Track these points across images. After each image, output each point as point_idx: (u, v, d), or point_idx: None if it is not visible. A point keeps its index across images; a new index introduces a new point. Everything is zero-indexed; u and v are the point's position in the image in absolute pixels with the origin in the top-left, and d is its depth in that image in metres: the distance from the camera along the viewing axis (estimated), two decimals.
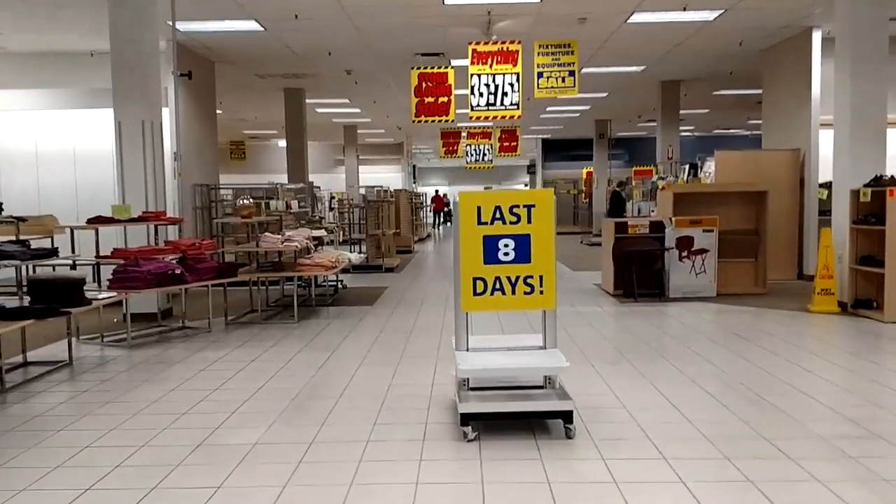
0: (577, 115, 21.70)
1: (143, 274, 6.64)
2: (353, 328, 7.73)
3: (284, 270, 8.25)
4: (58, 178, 12.11)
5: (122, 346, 6.98)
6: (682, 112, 17.15)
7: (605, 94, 17.61)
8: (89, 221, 7.18)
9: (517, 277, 4.39)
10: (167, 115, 11.09)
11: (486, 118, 9.76)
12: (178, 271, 6.93)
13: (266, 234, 8.05)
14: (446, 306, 9.09)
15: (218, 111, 20.35)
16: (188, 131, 11.77)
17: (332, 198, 12.02)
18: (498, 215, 4.39)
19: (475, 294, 4.39)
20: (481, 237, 4.38)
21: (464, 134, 19.23)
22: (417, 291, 10.67)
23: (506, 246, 4.39)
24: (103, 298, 6.33)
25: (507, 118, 9.65)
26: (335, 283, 10.44)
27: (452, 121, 10.23)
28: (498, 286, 4.39)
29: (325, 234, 9.23)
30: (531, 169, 41.24)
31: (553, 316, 4.51)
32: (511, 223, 4.38)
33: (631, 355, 6.22)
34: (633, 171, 26.79)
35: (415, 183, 41.42)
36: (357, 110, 19.69)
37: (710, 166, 12.17)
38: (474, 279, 4.38)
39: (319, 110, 19.66)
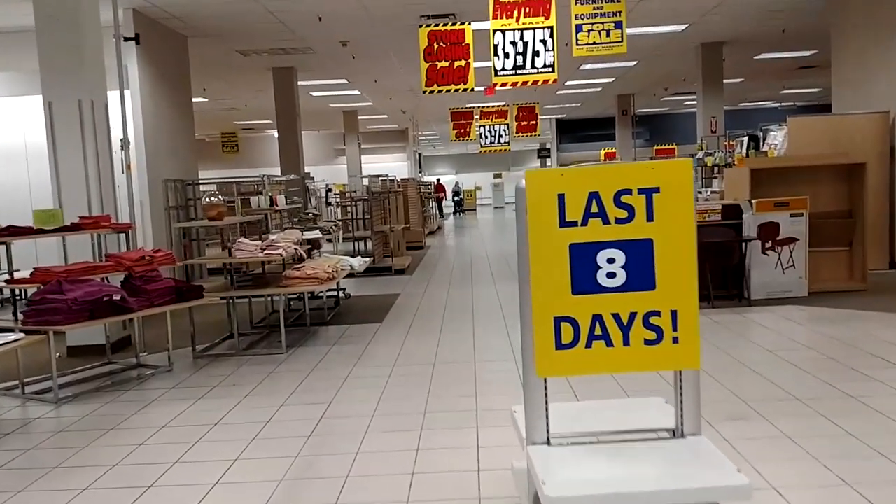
0: (599, 89, 19.75)
1: (66, 304, 4.83)
2: (356, 360, 5.89)
3: (267, 286, 6.43)
4: (8, 175, 10.32)
5: (49, 398, 5.17)
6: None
7: (634, 63, 15.66)
8: None
9: (632, 315, 2.53)
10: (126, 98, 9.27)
11: (515, 84, 7.87)
12: (117, 297, 5.11)
13: (241, 240, 6.22)
14: (475, 322, 7.25)
15: (202, 98, 18.59)
16: (156, 118, 9.93)
17: (329, 190, 10.22)
18: (595, 208, 2.53)
19: (560, 346, 2.53)
20: (567, 247, 2.53)
21: (476, 116, 17.30)
22: (435, 300, 8.82)
23: (610, 262, 2.54)
24: (5, 343, 4.50)
25: (538, 84, 7.75)
26: (336, 292, 8.60)
27: (472, 90, 8.34)
28: (599, 331, 2.54)
29: (321, 235, 7.41)
30: (542, 153, 39.30)
31: (695, 380, 2.66)
32: (618, 221, 2.52)
33: (758, 402, 4.35)
34: (654, 151, 24.96)
35: (420, 172, 39.58)
36: (356, 92, 17.81)
37: (775, 137, 10.25)
38: (557, 321, 2.53)
39: (315, 94, 17.79)
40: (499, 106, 16.96)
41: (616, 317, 2.55)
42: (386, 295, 9.35)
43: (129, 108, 9.63)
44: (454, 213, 34.26)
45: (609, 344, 2.55)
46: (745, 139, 10.91)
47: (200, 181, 11.59)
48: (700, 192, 12.88)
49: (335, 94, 18.21)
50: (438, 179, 35.06)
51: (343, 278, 7.36)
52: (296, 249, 6.48)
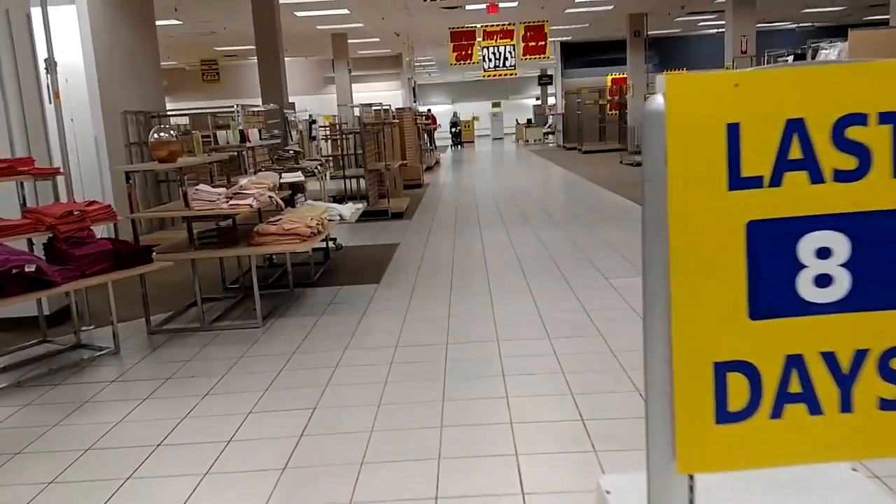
0: (611, 7, 18.03)
1: None
2: (349, 339, 4.72)
3: (236, 245, 5.18)
4: None
5: None
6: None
7: None
8: None
9: (859, 356, 1.32)
10: (67, 12, 7.84)
11: None
12: (30, 268, 3.87)
13: (200, 187, 4.94)
14: (490, 281, 6.05)
15: (175, 21, 16.90)
16: (111, 38, 8.47)
17: (314, 122, 8.86)
18: (797, 153, 1.27)
19: (724, 417, 1.31)
20: (743, 228, 1.28)
21: (479, 37, 15.67)
22: (440, 252, 7.60)
23: (823, 255, 1.30)
24: None
25: None
26: (324, 243, 7.38)
27: None
28: (797, 386, 1.33)
29: (303, 177, 6.13)
30: (543, 79, 37.46)
31: None
32: (841, 178, 1.27)
33: None
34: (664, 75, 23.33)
35: (415, 102, 37.79)
36: (345, 11, 16.12)
37: (827, 55, 8.85)
38: (721, 370, 1.30)
39: (299, 13, 16.12)
40: (503, 25, 15.33)
41: (829, 358, 1.33)
42: (383, 246, 8.12)
43: (74, 25, 8.21)
44: (451, 145, 32.69)
45: (815, 409, 1.34)
46: (791, 59, 9.50)
47: (168, 113, 10.19)
48: None
49: (322, 14, 16.52)
50: (429, 109, 33.33)
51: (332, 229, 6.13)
52: (271, 198, 5.22)
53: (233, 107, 7.89)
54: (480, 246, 7.67)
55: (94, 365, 4.52)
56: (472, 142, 35.76)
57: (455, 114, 33.75)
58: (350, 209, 6.27)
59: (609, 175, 14.52)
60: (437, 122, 31.00)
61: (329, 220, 6.01)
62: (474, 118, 39.24)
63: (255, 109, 8.44)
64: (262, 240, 5.05)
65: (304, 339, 4.76)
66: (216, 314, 5.52)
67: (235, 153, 6.60)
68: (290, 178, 6.03)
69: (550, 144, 29.50)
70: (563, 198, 11.56)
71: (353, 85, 22.12)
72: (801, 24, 26.38)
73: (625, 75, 24.83)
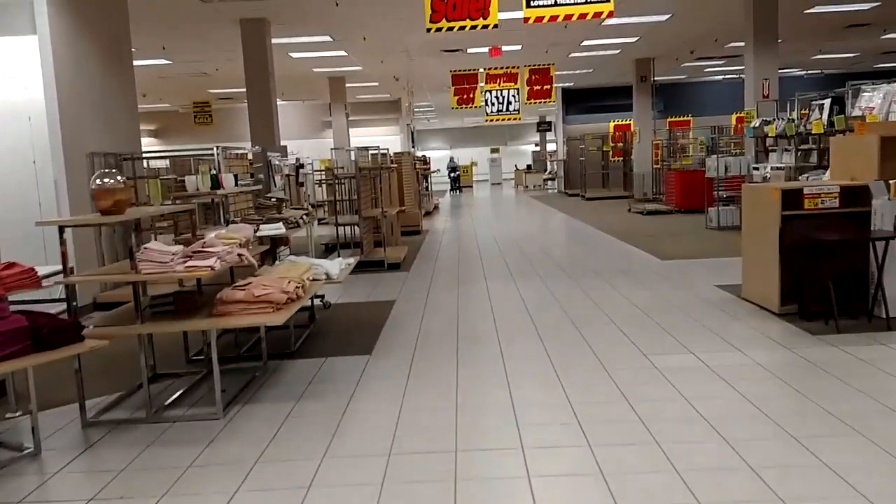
0: (618, 51, 17.45)
1: None
2: (329, 440, 3.72)
3: (194, 316, 4.22)
4: None
5: None
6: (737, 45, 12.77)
7: (667, 17, 13.38)
8: None
9: None
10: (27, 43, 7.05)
11: (555, 18, 5.63)
12: None
13: (150, 245, 4.02)
14: (503, 348, 5.09)
15: (165, 60, 16.22)
16: (77, 74, 7.65)
17: (301, 167, 7.98)
18: None
19: None
20: None
21: (481, 81, 14.98)
22: (442, 311, 6.65)
23: None
24: None
25: (588, 17, 5.52)
26: (310, 301, 6.42)
27: (495, 26, 6.09)
28: None
29: (283, 230, 5.20)
30: (542, 125, 37.01)
31: None
32: None
33: None
34: (667, 123, 22.78)
35: (413, 147, 37.25)
36: (342, 53, 15.46)
37: (871, 99, 8.06)
38: None
39: (295, 55, 15.45)
40: (508, 68, 14.66)
41: None
42: (377, 304, 7.17)
43: (35, 58, 7.40)
44: (451, 190, 31.96)
45: None
46: (827, 102, 8.71)
47: (143, 156, 9.34)
48: (754, 167, 10.74)
49: (318, 56, 15.86)
50: (423, 155, 32.67)
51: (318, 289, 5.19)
52: (240, 256, 4.28)
53: (212, 149, 7.03)
54: (488, 305, 6.73)
55: (3, 474, 3.52)
56: (471, 187, 35.09)
57: (452, 158, 33.10)
58: (338, 266, 5.34)
59: (619, 224, 13.66)
60: (430, 165, 30.24)
61: (313, 280, 5.08)
62: (473, 163, 38.67)
63: (238, 152, 7.58)
64: (227, 309, 4.10)
65: (273, 438, 3.77)
66: (173, 395, 4.53)
67: (210, 201, 5.69)
68: (268, 230, 5.12)
69: (551, 190, 28.80)
70: (573, 248, 10.66)
71: (350, 129, 21.47)
72: (810, 71, 25.95)
73: (628, 121, 24.30)
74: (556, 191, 27.80)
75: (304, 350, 5.48)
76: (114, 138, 8.30)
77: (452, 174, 32.19)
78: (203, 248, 4.17)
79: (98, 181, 3.97)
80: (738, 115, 22.34)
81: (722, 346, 5.04)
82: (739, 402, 3.89)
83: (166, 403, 4.38)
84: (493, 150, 41.91)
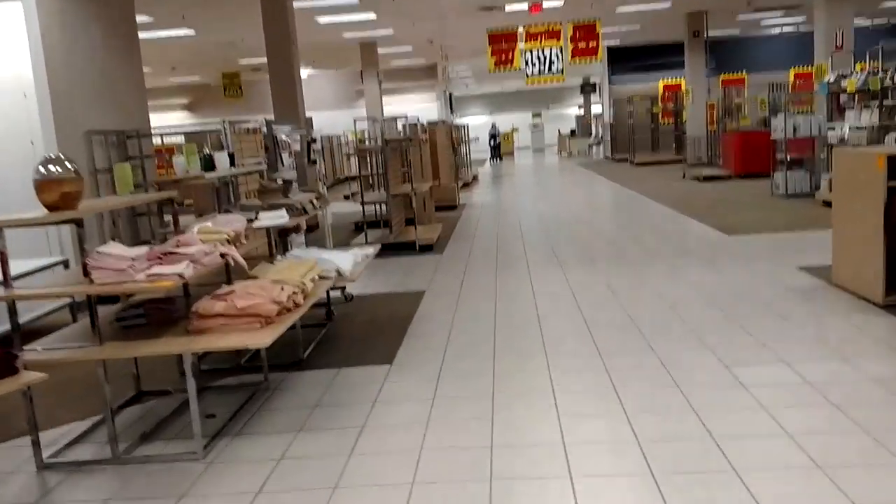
0: (668, 4, 16.08)
1: None
2: (329, 495, 2.93)
3: (169, 331, 3.44)
4: None
5: None
6: None
7: None
8: None
9: None
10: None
11: None
12: None
13: (107, 247, 3.23)
14: (548, 361, 4.21)
15: (188, 30, 15.51)
16: (71, 43, 6.91)
17: (312, 142, 7.15)
18: None
19: None
20: None
21: (521, 41, 13.85)
22: (478, 305, 5.79)
23: None
24: None
25: None
26: (327, 296, 5.63)
27: None
28: None
29: (286, 217, 4.36)
30: (586, 88, 35.41)
31: None
32: None
33: None
34: (720, 81, 21.22)
35: (452, 114, 36.15)
36: (372, 16, 14.51)
37: None
38: None
39: (322, 20, 14.56)
40: (549, 24, 13.48)
41: None
42: (404, 296, 6.34)
43: (21, 26, 6.68)
44: (490, 158, 30.87)
45: None
46: None
47: (156, 131, 8.64)
48: (827, 127, 9.49)
49: (347, 21, 14.94)
50: (461, 123, 31.54)
51: (331, 288, 4.38)
52: (223, 256, 3.48)
53: (219, 122, 6.24)
54: (531, 299, 5.84)
55: None
56: (512, 154, 33.92)
57: (493, 125, 31.86)
58: (353, 259, 4.51)
59: (674, 192, 12.53)
60: (468, 132, 29.12)
61: (322, 278, 4.27)
62: (514, 130, 37.41)
63: (249, 126, 6.78)
64: (203, 325, 3.31)
65: (260, 490, 2.99)
66: (153, 423, 3.79)
67: (214, 185, 4.90)
68: (268, 220, 4.31)
69: (596, 156, 27.51)
70: (625, 223, 9.65)
71: (385, 97, 20.56)
72: (876, 21, 23.95)
73: (678, 81, 22.79)
74: (601, 157, 26.52)
75: (315, 358, 4.69)
76: (117, 115, 7.58)
77: (493, 142, 31.06)
78: (176, 248, 3.38)
79: (42, 169, 3.19)
80: (798, 71, 20.76)
81: (821, 352, 4.07)
82: (860, 439, 2.96)
83: (142, 434, 3.64)
84: (535, 116, 40.53)
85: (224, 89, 20.25)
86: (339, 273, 4.33)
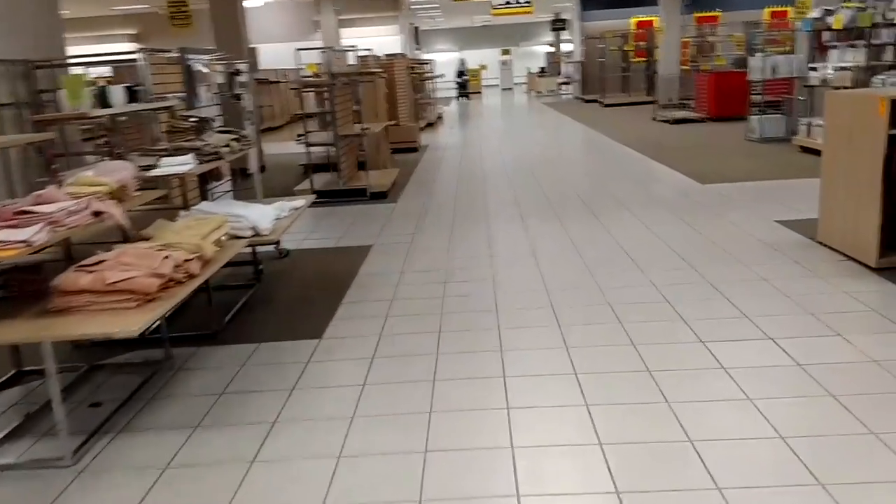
0: None
1: None
2: None
3: (23, 313, 2.77)
4: None
5: None
6: None
7: None
8: None
9: None
10: None
11: None
12: None
13: None
14: (502, 340, 3.65)
15: None
16: None
17: (236, 74, 6.31)
18: None
19: None
20: None
21: None
22: (427, 264, 5.19)
23: None
24: None
25: None
26: (252, 254, 4.97)
27: None
28: None
29: (190, 164, 3.63)
30: (557, 24, 34.27)
31: None
32: None
33: None
34: (694, 18, 20.44)
35: (417, 48, 34.75)
36: None
37: None
38: None
39: None
40: None
41: None
42: (347, 251, 5.70)
43: None
44: (457, 97, 29.84)
45: None
46: None
47: (71, 60, 7.69)
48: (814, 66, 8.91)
49: None
50: (424, 57, 30.29)
51: (243, 249, 3.73)
52: (98, 214, 2.79)
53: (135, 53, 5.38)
54: (488, 256, 5.24)
55: None
56: (480, 92, 32.88)
57: (461, 61, 30.67)
58: (273, 215, 3.85)
59: (644, 136, 11.93)
60: (431, 68, 27.95)
61: (235, 238, 3.61)
62: (482, 67, 36.24)
63: (171, 55, 5.93)
64: (67, 303, 2.65)
65: None
66: (24, 412, 3.15)
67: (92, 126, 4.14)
68: (168, 167, 3.60)
69: (566, 96, 26.68)
70: (592, 169, 9.06)
71: (344, 30, 19.40)
72: None
73: (651, 18, 21.93)
74: (571, 96, 25.71)
75: (233, 329, 4.06)
76: (19, 41, 6.64)
77: (460, 79, 29.96)
78: (34, 205, 2.68)
79: None
80: (773, 9, 20.03)
81: (810, 324, 3.56)
82: (864, 441, 2.46)
83: (3, 434, 3.00)
84: (504, 52, 39.28)
85: (171, 18, 18.84)
86: (255, 231, 3.66)
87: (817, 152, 8.76)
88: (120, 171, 3.22)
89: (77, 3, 21.59)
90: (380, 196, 7.85)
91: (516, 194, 7.57)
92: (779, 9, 20.36)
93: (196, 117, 4.38)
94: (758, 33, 14.39)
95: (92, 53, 8.08)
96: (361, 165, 8.75)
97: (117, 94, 3.87)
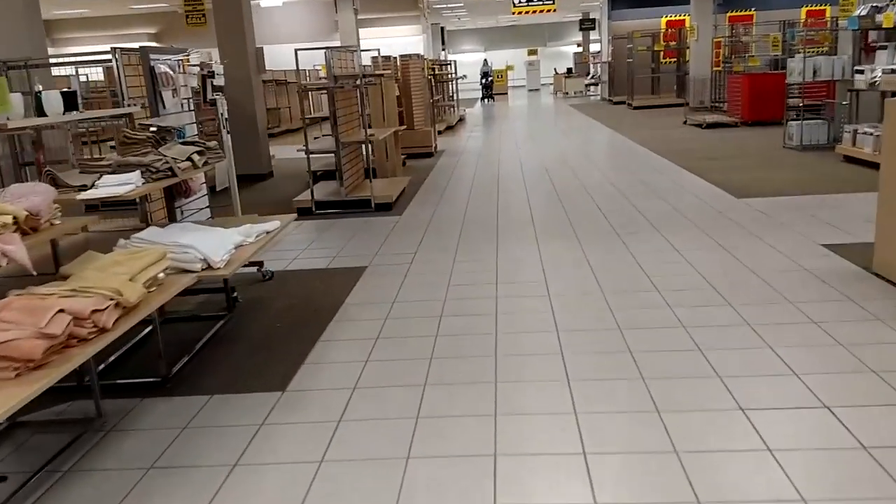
0: None
1: None
2: None
3: None
4: None
5: None
6: None
7: None
8: None
9: None
10: None
11: None
12: None
13: None
14: (499, 400, 3.03)
15: None
16: None
17: (209, 76, 5.83)
18: None
19: None
20: None
21: None
22: (424, 296, 4.58)
23: None
24: None
25: None
26: (223, 284, 4.41)
27: None
28: None
29: (132, 185, 3.07)
30: (585, 24, 33.45)
31: None
32: None
33: None
34: (727, 18, 19.56)
35: (443, 49, 34.20)
36: None
37: None
38: None
39: None
40: None
41: None
42: (337, 272, 5.11)
43: None
44: (482, 98, 29.18)
45: None
46: None
47: (53, 60, 7.25)
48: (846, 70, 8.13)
49: None
50: (447, 58, 29.62)
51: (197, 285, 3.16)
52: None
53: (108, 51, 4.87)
54: (493, 284, 4.62)
55: None
56: (506, 93, 32.18)
57: (486, 61, 29.97)
58: (231, 243, 3.27)
59: (674, 141, 11.19)
60: (453, 69, 27.24)
61: (178, 273, 3.04)
62: (508, 67, 35.53)
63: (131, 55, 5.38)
64: None
65: None
66: None
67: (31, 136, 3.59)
68: (105, 189, 3.04)
69: (593, 97, 25.90)
70: (618, 180, 8.37)
71: (364, 30, 18.90)
72: None
73: (683, 17, 21.09)
74: (598, 98, 24.93)
75: (187, 373, 3.49)
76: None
77: (484, 80, 29.29)
78: None
79: None
80: (810, 8, 19.08)
81: (876, 389, 2.89)
82: None
83: None
84: (531, 53, 38.53)
85: (186, 17, 18.50)
86: (207, 264, 3.09)
87: (864, 163, 8.02)
88: (31, 196, 2.67)
89: (97, 2, 21.40)
90: (384, 208, 7.26)
91: (532, 209, 6.93)
92: (816, 8, 19.42)
93: (156, 126, 3.83)
94: (797, 32, 13.53)
95: (70, 53, 7.64)
96: (373, 172, 8.18)
97: (52, 100, 3.32)
